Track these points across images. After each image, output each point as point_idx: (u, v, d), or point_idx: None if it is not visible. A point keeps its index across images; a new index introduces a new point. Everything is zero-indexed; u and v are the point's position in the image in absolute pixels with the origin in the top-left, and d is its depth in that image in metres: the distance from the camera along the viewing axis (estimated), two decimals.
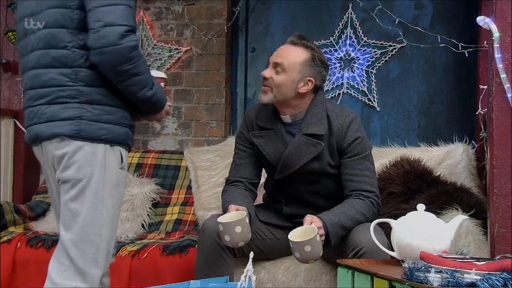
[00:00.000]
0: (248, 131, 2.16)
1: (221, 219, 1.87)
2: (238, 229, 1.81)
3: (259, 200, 2.33)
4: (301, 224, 1.92)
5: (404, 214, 1.77)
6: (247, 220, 1.86)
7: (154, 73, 1.86)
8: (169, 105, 1.90)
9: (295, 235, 1.80)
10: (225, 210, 2.03)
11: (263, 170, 2.24)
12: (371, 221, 1.84)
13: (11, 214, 2.75)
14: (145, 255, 2.39)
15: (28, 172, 3.27)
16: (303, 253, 1.78)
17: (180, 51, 3.30)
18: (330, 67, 3.16)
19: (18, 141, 3.24)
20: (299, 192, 2.11)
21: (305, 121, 2.05)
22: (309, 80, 2.04)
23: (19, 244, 2.53)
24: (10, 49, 3.27)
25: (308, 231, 1.82)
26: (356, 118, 2.07)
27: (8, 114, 3.22)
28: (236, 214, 1.88)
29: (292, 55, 2.03)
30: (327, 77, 2.33)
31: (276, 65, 2.03)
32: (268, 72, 2.05)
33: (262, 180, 2.32)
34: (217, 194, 2.91)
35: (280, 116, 2.11)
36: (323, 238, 1.87)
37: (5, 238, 2.58)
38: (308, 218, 1.89)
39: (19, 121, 3.24)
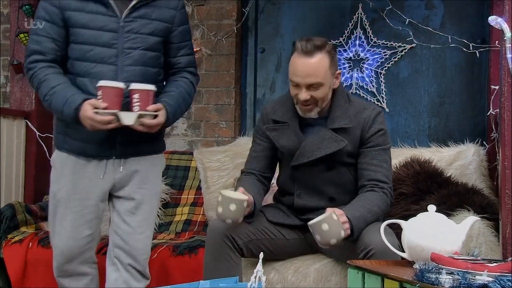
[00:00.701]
0: (264, 125, 2.19)
1: (224, 192, 1.94)
2: (232, 206, 1.88)
3: (269, 200, 2.33)
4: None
5: (414, 215, 1.77)
6: (245, 205, 1.90)
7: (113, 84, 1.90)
8: (140, 115, 1.89)
9: (313, 221, 1.84)
10: None
11: (277, 167, 2.26)
12: (386, 213, 1.87)
13: (22, 214, 2.77)
14: (155, 255, 2.40)
15: (39, 172, 3.28)
16: (322, 233, 1.81)
17: None
18: (339, 68, 3.16)
19: (30, 142, 3.26)
20: (313, 179, 2.11)
21: (331, 116, 2.08)
22: (338, 74, 2.08)
23: (30, 244, 2.55)
24: (22, 50, 3.29)
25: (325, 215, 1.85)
26: (381, 112, 2.12)
27: (20, 115, 3.25)
28: (238, 194, 1.94)
29: (319, 68, 1.99)
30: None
31: (310, 85, 2.00)
32: (305, 94, 2.00)
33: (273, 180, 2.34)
34: None
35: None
36: (347, 226, 1.87)
37: (16, 238, 2.60)
38: (330, 209, 1.90)
39: (31, 122, 3.26)
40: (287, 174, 2.15)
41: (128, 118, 1.87)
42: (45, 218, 2.91)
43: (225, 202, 1.88)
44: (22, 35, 3.22)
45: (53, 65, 1.96)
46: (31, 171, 3.24)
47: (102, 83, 1.87)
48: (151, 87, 1.91)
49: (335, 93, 2.09)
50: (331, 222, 1.81)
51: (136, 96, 1.88)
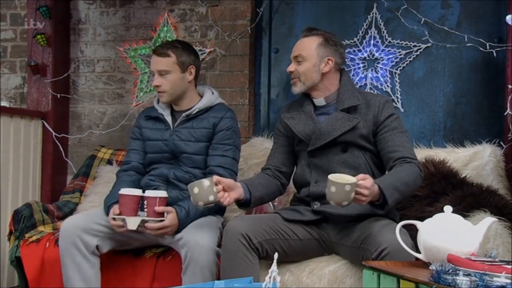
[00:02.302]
0: (281, 120, 2.31)
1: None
2: (195, 190, 2.00)
3: (285, 203, 2.35)
4: (326, 215, 2.11)
5: (428, 217, 1.75)
6: (206, 185, 1.99)
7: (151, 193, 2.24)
8: (139, 225, 2.21)
9: (334, 176, 1.86)
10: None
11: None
12: (418, 186, 2.06)
13: (40, 214, 2.80)
14: (170, 257, 2.41)
15: (56, 172, 3.33)
16: (328, 192, 1.85)
17: (204, 52, 3.32)
18: (353, 68, 3.15)
19: (47, 142, 3.30)
20: (329, 163, 2.16)
21: (339, 99, 2.21)
22: (329, 59, 2.22)
23: (47, 243, 2.57)
24: (39, 51, 3.34)
25: (346, 179, 1.85)
26: (391, 101, 2.27)
27: (37, 115, 3.29)
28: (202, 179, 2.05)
29: (306, 44, 2.23)
30: (345, 56, 2.40)
31: (295, 58, 2.23)
32: (291, 66, 2.25)
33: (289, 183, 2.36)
34: None
35: (314, 100, 2.26)
36: (365, 193, 1.84)
37: (34, 238, 2.62)
38: (361, 175, 1.89)
39: (47, 122, 3.30)
40: (303, 164, 2.23)
41: (132, 223, 2.19)
42: (62, 218, 2.95)
43: (190, 189, 2.01)
44: (39, 36, 3.25)
45: (131, 172, 2.48)
46: (48, 171, 3.28)
47: (121, 191, 2.22)
48: (161, 194, 2.22)
49: (341, 80, 2.24)
50: (339, 189, 1.82)
51: (145, 202, 2.20)
